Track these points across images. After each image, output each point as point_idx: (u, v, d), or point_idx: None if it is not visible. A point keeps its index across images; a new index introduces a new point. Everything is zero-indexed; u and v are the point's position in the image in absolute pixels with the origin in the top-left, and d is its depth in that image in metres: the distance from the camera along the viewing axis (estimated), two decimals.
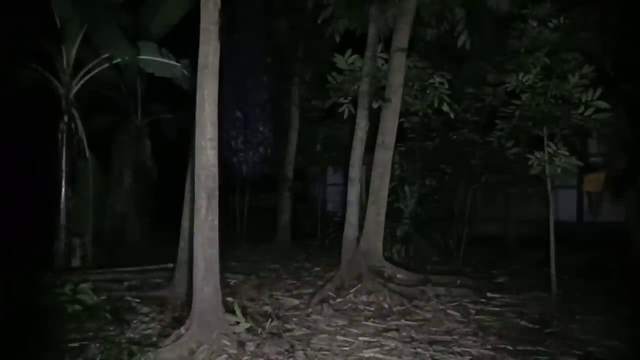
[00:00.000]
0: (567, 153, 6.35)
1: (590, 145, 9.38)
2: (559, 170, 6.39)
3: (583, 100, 6.29)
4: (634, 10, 6.64)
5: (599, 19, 6.58)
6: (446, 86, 8.43)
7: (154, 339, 4.89)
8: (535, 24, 6.51)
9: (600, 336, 5.16)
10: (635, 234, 8.34)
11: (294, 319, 5.66)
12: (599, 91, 6.24)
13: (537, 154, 6.43)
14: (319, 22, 8.23)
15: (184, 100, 7.75)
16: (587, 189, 10.67)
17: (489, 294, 6.84)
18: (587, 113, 6.27)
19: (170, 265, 6.82)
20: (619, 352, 4.72)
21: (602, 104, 6.23)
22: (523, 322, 5.68)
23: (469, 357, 4.52)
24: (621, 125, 7.99)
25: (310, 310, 6.07)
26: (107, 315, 5.54)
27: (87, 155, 8.36)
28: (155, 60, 8.23)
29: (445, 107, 8.47)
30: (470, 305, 6.33)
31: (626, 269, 8.14)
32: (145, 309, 5.95)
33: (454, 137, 9.18)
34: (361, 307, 6.22)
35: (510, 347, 4.79)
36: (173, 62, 8.21)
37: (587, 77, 6.28)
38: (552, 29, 6.44)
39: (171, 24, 9.28)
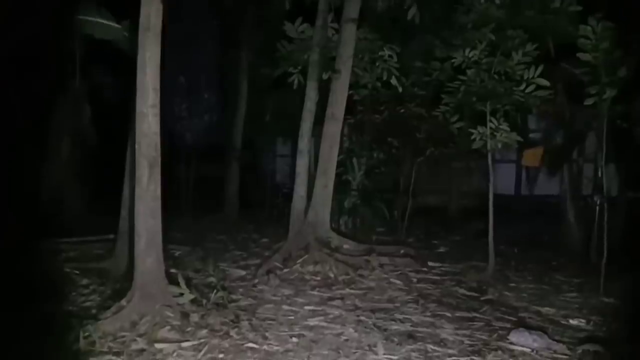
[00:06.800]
0: (508, 128, 6.55)
1: (529, 121, 9.69)
2: (499, 145, 6.60)
3: (525, 77, 6.46)
4: None
5: None
6: (395, 59, 8.49)
7: (94, 311, 4.76)
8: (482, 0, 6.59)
9: (532, 303, 5.47)
10: (568, 207, 8.77)
11: (240, 290, 5.66)
12: (540, 69, 6.42)
13: (480, 129, 6.60)
14: None
15: (126, 64, 7.39)
16: (526, 164, 11.08)
17: (430, 263, 7.10)
18: (528, 90, 6.46)
19: (112, 236, 6.62)
20: (549, 318, 5.00)
21: (543, 82, 6.42)
22: (461, 290, 5.92)
23: (410, 324, 4.67)
24: (559, 103, 8.28)
25: (256, 280, 6.08)
26: None
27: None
28: (94, 21, 7.77)
29: (393, 81, 8.54)
30: (412, 274, 6.54)
31: (558, 240, 8.63)
32: (85, 281, 5.76)
33: (402, 110, 9.28)
34: (307, 277, 6.30)
35: (449, 314, 4.99)
36: (113, 24, 7.78)
37: (530, 55, 6.43)
38: (498, 6, 6.53)
39: None
